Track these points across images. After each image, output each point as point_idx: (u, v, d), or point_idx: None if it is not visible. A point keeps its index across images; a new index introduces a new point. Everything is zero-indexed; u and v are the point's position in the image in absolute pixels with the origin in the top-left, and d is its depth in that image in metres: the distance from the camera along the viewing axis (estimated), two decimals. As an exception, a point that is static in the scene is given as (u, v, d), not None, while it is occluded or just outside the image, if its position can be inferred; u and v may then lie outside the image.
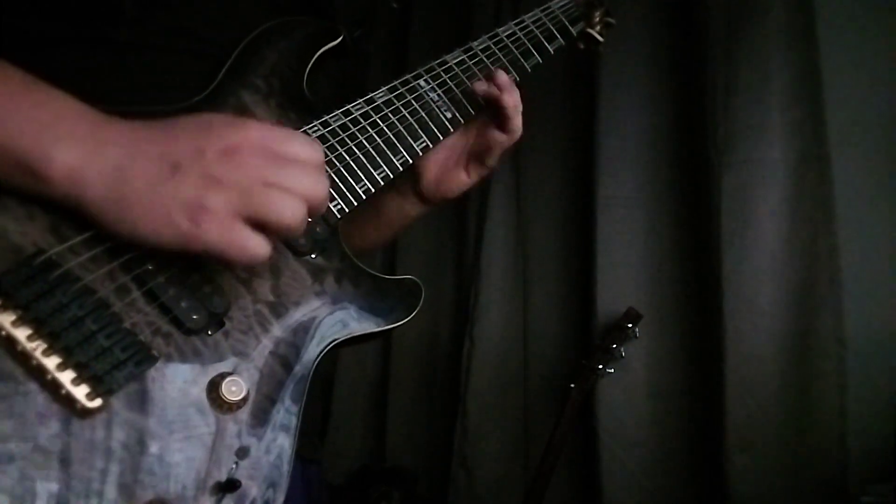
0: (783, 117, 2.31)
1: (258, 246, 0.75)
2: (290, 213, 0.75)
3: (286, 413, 0.84)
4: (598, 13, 1.39)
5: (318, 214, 0.81)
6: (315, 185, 0.78)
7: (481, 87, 1.16)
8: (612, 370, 2.42)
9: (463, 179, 1.23)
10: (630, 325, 2.39)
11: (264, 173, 0.75)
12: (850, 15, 2.31)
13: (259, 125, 0.80)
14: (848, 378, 2.17)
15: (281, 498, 0.82)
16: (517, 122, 1.19)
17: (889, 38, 2.27)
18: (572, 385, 2.39)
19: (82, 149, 0.72)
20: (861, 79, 2.29)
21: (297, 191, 0.76)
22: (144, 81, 0.93)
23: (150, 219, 0.72)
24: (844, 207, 2.23)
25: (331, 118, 0.99)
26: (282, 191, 0.75)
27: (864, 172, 2.27)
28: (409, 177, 1.21)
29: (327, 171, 0.94)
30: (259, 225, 0.75)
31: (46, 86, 0.75)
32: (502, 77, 1.15)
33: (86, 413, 0.70)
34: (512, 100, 1.16)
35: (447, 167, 1.22)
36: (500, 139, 1.20)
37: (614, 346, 2.39)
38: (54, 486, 0.67)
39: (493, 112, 1.18)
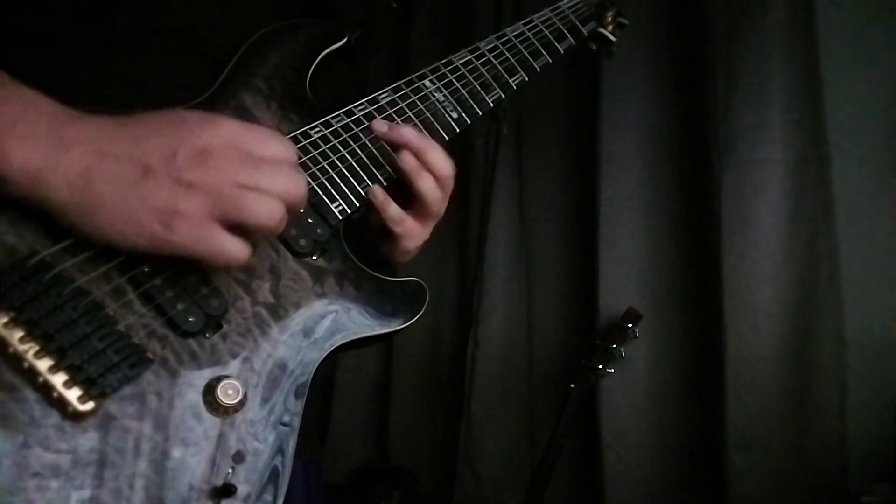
0: (783, 117, 2.31)
1: (236, 249, 0.75)
2: (266, 212, 0.75)
3: (284, 417, 0.83)
4: (610, 13, 1.37)
5: (297, 210, 0.81)
6: (290, 182, 0.78)
7: (379, 127, 1.00)
8: (613, 370, 2.42)
9: (383, 251, 1.07)
10: (630, 325, 2.39)
11: (237, 175, 0.74)
12: (850, 15, 2.31)
13: (232, 124, 0.78)
14: (848, 378, 2.17)
15: (279, 501, 0.81)
16: (421, 185, 0.99)
17: (889, 38, 2.27)
18: (573, 385, 2.39)
19: (43, 149, 0.70)
20: (861, 79, 2.29)
21: (273, 190, 0.75)
22: (142, 81, 0.92)
23: (119, 223, 0.71)
24: (844, 207, 2.23)
25: (333, 119, 0.98)
26: (256, 191, 0.74)
27: (864, 172, 2.26)
28: None
29: (329, 173, 0.94)
30: (236, 227, 0.74)
31: (14, 83, 0.73)
32: (404, 131, 0.99)
33: (78, 416, 0.69)
34: (412, 159, 0.98)
35: (376, 235, 1.07)
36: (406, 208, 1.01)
37: (615, 346, 2.39)
38: (46, 491, 0.67)
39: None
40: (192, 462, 0.75)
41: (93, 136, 0.72)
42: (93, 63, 0.90)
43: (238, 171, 0.74)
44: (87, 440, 0.70)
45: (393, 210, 0.99)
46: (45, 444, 0.68)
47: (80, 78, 0.79)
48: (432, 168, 0.99)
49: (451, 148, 1.07)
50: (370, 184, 0.98)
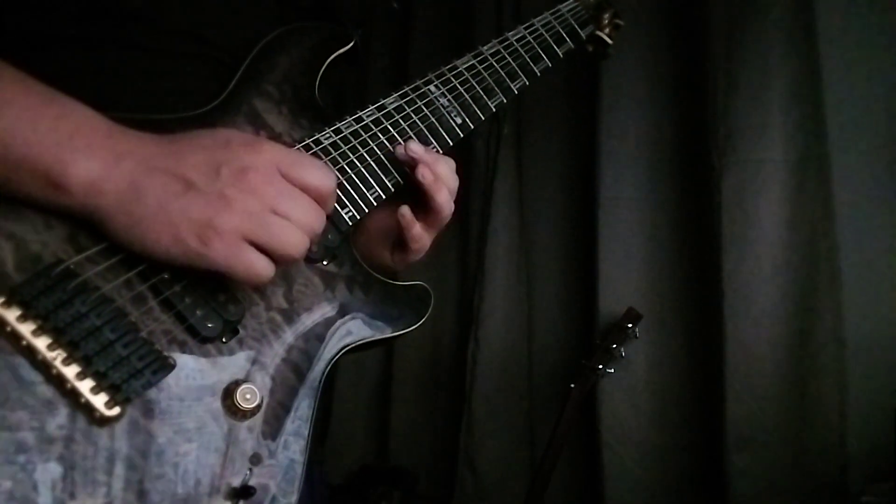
0: (783, 117, 2.31)
1: (264, 268, 0.76)
2: (294, 245, 0.78)
3: (298, 419, 0.85)
4: (607, 15, 1.38)
5: (315, 241, 0.83)
6: (318, 217, 0.81)
7: (399, 150, 1.01)
8: (613, 370, 2.42)
9: (385, 260, 1.09)
10: (630, 325, 2.39)
11: (275, 201, 0.76)
12: (850, 15, 2.32)
13: (275, 148, 0.81)
14: (848, 378, 2.18)
15: (294, 501, 0.82)
16: (440, 198, 1.00)
17: (889, 38, 2.28)
18: (573, 385, 2.39)
19: (100, 161, 0.72)
20: (861, 79, 2.29)
21: (303, 223, 0.78)
22: (145, 83, 0.93)
23: (159, 234, 0.73)
24: (844, 207, 2.24)
25: (343, 125, 0.98)
26: (290, 222, 0.77)
27: (864, 172, 2.27)
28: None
29: (339, 179, 0.94)
30: (261, 249, 0.76)
31: (66, 98, 0.75)
32: (414, 148, 0.99)
33: (104, 421, 0.71)
34: (429, 173, 0.99)
35: (373, 241, 1.09)
36: (416, 219, 1.02)
37: (615, 346, 2.39)
38: (72, 493, 0.68)
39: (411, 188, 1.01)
40: (212, 464, 0.77)
41: (142, 151, 0.75)
42: (95, 65, 0.90)
43: (276, 196, 0.77)
44: (112, 443, 0.71)
45: (417, 229, 1.02)
46: (72, 449, 0.69)
47: (84, 80, 0.79)
48: (446, 181, 1.01)
49: (451, 148, 1.09)
50: (378, 190, 0.99)
